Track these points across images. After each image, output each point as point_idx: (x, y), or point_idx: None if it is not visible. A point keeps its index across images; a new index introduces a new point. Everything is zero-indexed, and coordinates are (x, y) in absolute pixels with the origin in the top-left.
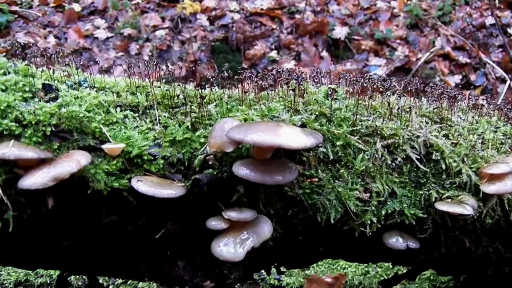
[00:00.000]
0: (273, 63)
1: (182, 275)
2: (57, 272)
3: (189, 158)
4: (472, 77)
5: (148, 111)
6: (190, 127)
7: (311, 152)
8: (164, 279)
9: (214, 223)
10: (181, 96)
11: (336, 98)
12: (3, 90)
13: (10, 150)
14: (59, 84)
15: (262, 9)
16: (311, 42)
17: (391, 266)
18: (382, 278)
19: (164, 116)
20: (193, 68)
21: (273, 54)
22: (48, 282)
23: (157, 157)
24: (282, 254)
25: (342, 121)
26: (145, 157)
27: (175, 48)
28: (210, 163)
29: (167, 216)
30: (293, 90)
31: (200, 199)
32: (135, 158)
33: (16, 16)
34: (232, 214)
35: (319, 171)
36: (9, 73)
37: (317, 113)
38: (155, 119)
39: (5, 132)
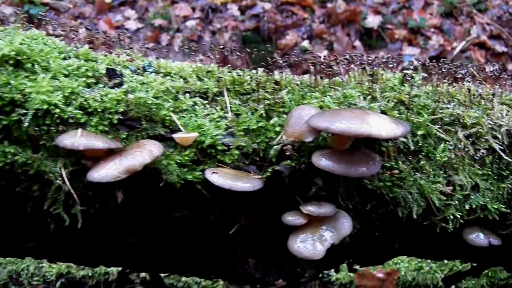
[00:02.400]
0: (305, 53)
1: (253, 273)
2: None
3: (264, 149)
4: (510, 66)
5: (217, 97)
6: (264, 115)
7: (390, 142)
8: (234, 277)
9: (292, 218)
10: (252, 82)
11: (412, 85)
12: (65, 76)
13: (79, 140)
14: (122, 69)
15: None
16: (343, 31)
17: (445, 262)
18: (436, 274)
19: (235, 103)
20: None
21: (305, 43)
22: (90, 274)
23: (231, 147)
24: (357, 251)
25: (421, 109)
26: (219, 147)
27: (205, 38)
28: (287, 153)
29: (240, 210)
30: (371, 75)
31: (275, 192)
32: (208, 148)
33: (47, 7)
34: (312, 209)
35: (400, 162)
36: (69, 57)
37: (395, 100)
38: (226, 106)
39: (70, 120)
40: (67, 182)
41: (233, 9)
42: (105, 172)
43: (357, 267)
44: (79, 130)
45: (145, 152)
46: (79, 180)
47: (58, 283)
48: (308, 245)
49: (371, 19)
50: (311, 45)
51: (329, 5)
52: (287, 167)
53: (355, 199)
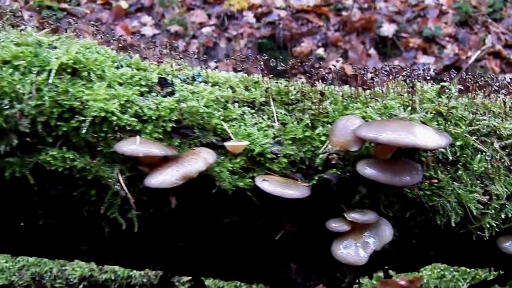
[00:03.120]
0: (320, 60)
1: (294, 278)
2: (122, 269)
3: (310, 157)
4: None
5: (263, 107)
6: (309, 124)
7: (429, 152)
8: (275, 282)
9: (336, 225)
10: (297, 93)
11: (450, 97)
12: (120, 84)
13: (139, 147)
14: (173, 78)
15: (308, 6)
16: (358, 39)
17: (468, 270)
18: (459, 283)
19: (281, 112)
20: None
21: (320, 51)
22: (113, 278)
23: (278, 155)
24: (394, 258)
25: (459, 121)
26: (268, 156)
27: (221, 45)
28: (333, 162)
29: (286, 217)
30: (412, 87)
31: (320, 199)
32: (257, 156)
33: (65, 13)
34: (356, 216)
35: (438, 172)
36: (122, 66)
37: (433, 112)
38: (273, 116)
39: (126, 128)
40: (125, 188)
41: (249, 16)
42: (163, 178)
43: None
44: (138, 137)
45: (200, 159)
46: (135, 185)
47: (81, 286)
48: (352, 251)
49: (386, 27)
50: (326, 52)
51: (344, 13)
52: (335, 176)
53: (395, 207)
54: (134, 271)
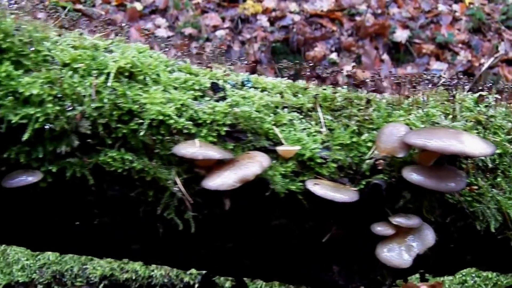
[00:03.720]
0: (333, 65)
1: (336, 280)
2: (143, 268)
3: (357, 162)
4: None
5: (310, 113)
6: (356, 130)
7: (469, 159)
8: (317, 284)
9: (381, 229)
10: (343, 100)
11: (488, 106)
12: (174, 88)
13: (199, 150)
14: (224, 84)
15: (322, 10)
16: (371, 44)
17: (489, 276)
18: None
19: (328, 118)
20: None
21: (333, 56)
22: (134, 277)
23: (327, 160)
24: (432, 261)
25: (497, 129)
26: (317, 160)
27: (235, 48)
28: (380, 168)
29: (333, 220)
30: (453, 96)
31: (367, 203)
32: (307, 160)
33: (80, 14)
34: (401, 220)
35: (478, 179)
36: (174, 71)
37: (473, 120)
38: (320, 122)
39: (183, 131)
40: (183, 189)
41: (263, 20)
42: (221, 181)
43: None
44: (196, 140)
45: (256, 163)
46: (190, 187)
47: (101, 285)
48: (396, 254)
49: (399, 33)
50: (339, 57)
51: (357, 18)
52: (383, 181)
53: (437, 212)
54: (155, 271)
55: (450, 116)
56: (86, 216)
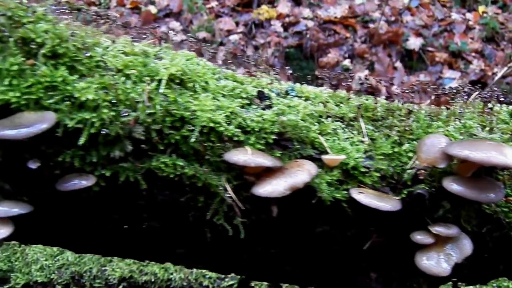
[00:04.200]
0: (346, 71)
1: (374, 286)
2: (162, 271)
3: (398, 172)
4: None
5: (352, 122)
6: (397, 140)
7: (505, 171)
8: None
9: (421, 237)
10: (384, 110)
11: None
12: (223, 96)
13: (251, 157)
14: (269, 92)
15: (335, 17)
16: (384, 52)
17: (510, 286)
18: None
19: (369, 128)
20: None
21: (347, 62)
22: (153, 280)
23: (370, 169)
24: (466, 270)
25: None
26: (361, 169)
27: (248, 53)
28: (421, 177)
29: (374, 228)
30: (491, 108)
31: (408, 212)
32: (351, 169)
33: (95, 16)
34: (441, 230)
35: None
36: (220, 78)
37: (509, 133)
38: (362, 131)
39: (235, 138)
40: (234, 196)
41: (277, 25)
42: (271, 188)
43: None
44: (248, 148)
45: (305, 171)
46: (239, 193)
47: (120, 286)
48: (435, 263)
49: (413, 41)
50: (352, 64)
51: (371, 25)
52: (425, 190)
53: (474, 222)
54: (174, 274)
55: (487, 128)
56: (135, 220)
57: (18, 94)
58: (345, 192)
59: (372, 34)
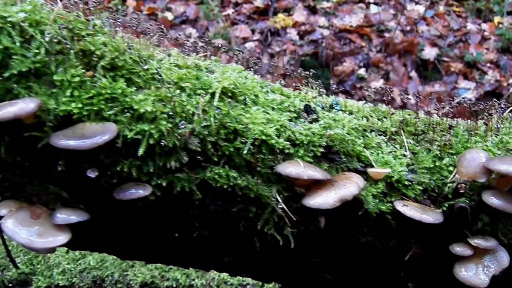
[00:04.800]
0: (362, 80)
1: None
2: (184, 277)
3: (439, 185)
4: None
5: (394, 136)
6: (438, 155)
7: None
8: None
9: (460, 249)
10: (425, 125)
11: None
12: (272, 109)
13: (304, 170)
14: (315, 106)
15: (351, 26)
16: (400, 61)
17: None
18: None
19: (410, 142)
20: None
21: (362, 71)
22: (174, 286)
23: (413, 182)
24: (500, 282)
25: None
26: (405, 182)
27: (264, 60)
28: (461, 191)
29: (414, 239)
30: None
31: (446, 225)
32: (395, 182)
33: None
34: (480, 242)
35: None
36: (268, 92)
37: None
38: (404, 145)
39: (285, 151)
40: (285, 207)
41: (292, 33)
42: (323, 200)
43: None
44: (300, 160)
45: (353, 184)
46: (289, 205)
47: None
48: (474, 274)
49: (428, 51)
50: (368, 73)
51: (386, 35)
52: (467, 204)
53: (510, 235)
54: (196, 280)
55: None
56: (187, 228)
57: (80, 105)
58: (389, 204)
59: (387, 44)
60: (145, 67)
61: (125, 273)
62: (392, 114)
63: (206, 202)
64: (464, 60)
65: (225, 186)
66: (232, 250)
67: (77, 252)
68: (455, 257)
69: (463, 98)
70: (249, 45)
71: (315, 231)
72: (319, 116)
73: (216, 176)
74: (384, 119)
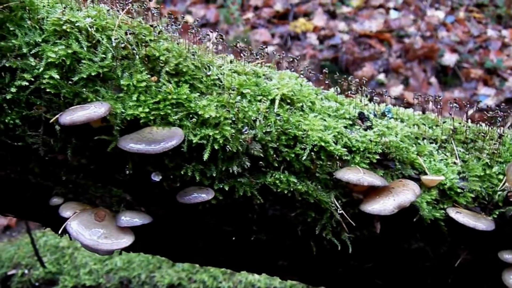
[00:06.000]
0: (381, 86)
1: None
2: (211, 280)
3: (489, 193)
4: None
5: (444, 144)
6: (488, 163)
7: None
8: None
9: (509, 257)
10: (470, 132)
11: None
12: (328, 116)
13: (364, 177)
14: (369, 113)
15: (371, 31)
16: (420, 67)
17: None
18: None
19: (460, 150)
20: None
21: (381, 77)
22: None
23: (464, 190)
24: None
25: None
26: (457, 190)
27: (284, 65)
28: (511, 199)
29: (463, 246)
30: None
31: (496, 232)
32: (448, 190)
33: None
34: None
35: None
36: (322, 99)
37: None
38: (454, 154)
39: (343, 158)
40: (343, 212)
41: (312, 38)
42: (381, 206)
43: None
44: (359, 167)
45: (410, 190)
46: (346, 210)
47: None
48: None
49: (448, 57)
50: (387, 78)
51: (406, 40)
52: None
53: None
54: (223, 283)
55: None
56: (245, 232)
57: (146, 110)
58: (443, 211)
59: (407, 49)
60: (209, 73)
61: (152, 274)
62: (444, 122)
63: (265, 207)
64: (484, 66)
65: (285, 191)
66: (287, 254)
67: None
68: (504, 264)
69: (483, 104)
70: (269, 49)
71: (369, 236)
72: (373, 123)
73: (277, 181)
74: (434, 127)
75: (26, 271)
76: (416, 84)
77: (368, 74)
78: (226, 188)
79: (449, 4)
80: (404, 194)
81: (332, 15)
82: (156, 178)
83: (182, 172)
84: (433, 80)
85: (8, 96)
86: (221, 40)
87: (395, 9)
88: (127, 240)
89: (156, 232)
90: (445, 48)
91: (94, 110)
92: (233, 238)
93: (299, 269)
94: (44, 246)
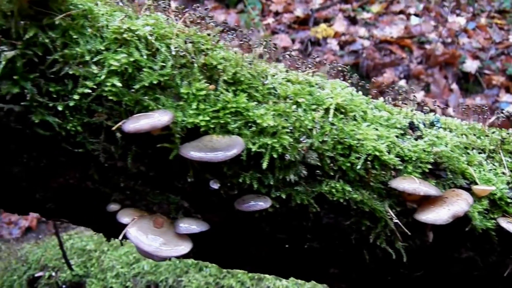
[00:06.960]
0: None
1: None
2: (238, 285)
3: None
4: None
5: (492, 154)
6: None
7: None
8: None
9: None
10: None
11: None
12: (381, 125)
13: (419, 186)
14: (418, 123)
15: (391, 37)
16: (441, 73)
17: None
18: None
19: (508, 161)
20: None
21: (402, 83)
22: None
23: None
24: None
25: None
26: (507, 200)
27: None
28: None
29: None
30: None
31: None
32: (498, 200)
33: None
34: None
35: None
36: (373, 108)
37: None
38: (502, 164)
39: (397, 167)
40: (398, 221)
41: (333, 43)
42: (435, 216)
43: None
44: (414, 177)
45: (463, 200)
46: (399, 219)
47: None
48: None
49: (469, 63)
50: (408, 84)
51: (427, 46)
52: None
53: None
54: None
55: None
56: (298, 240)
57: (207, 118)
58: (493, 221)
59: (428, 55)
60: (266, 82)
61: (179, 278)
62: (493, 133)
63: (320, 215)
64: (506, 73)
65: (341, 200)
66: (339, 262)
67: (131, 256)
68: None
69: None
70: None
71: (421, 245)
72: (423, 133)
73: (332, 190)
74: (482, 137)
75: (53, 274)
76: (437, 90)
77: (389, 80)
78: (283, 196)
79: (471, 10)
80: (458, 203)
81: (352, 20)
82: (215, 185)
83: (240, 180)
84: (454, 86)
85: (71, 103)
86: (274, 49)
87: (416, 15)
88: (185, 247)
89: (209, 239)
90: (466, 55)
91: (158, 119)
92: (286, 246)
93: (348, 277)
94: (71, 249)
